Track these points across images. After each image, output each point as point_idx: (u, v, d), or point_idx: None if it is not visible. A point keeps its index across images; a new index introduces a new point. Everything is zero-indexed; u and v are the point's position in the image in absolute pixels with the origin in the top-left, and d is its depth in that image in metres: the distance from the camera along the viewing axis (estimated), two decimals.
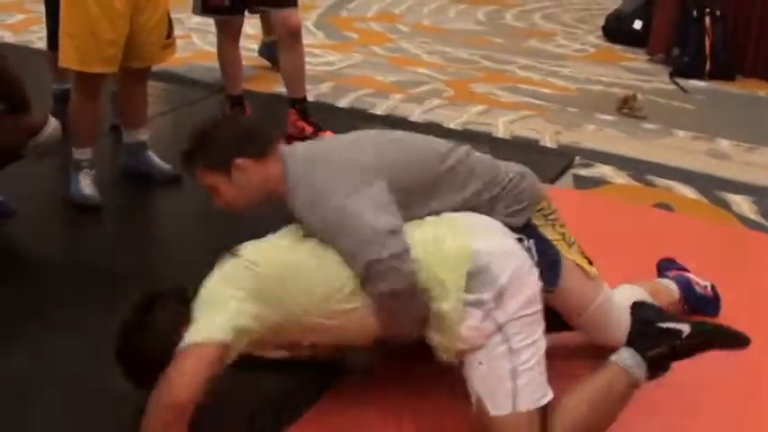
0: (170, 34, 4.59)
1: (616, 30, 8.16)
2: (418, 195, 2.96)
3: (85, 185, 4.56)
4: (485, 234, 2.90)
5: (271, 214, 3.07)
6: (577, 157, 5.41)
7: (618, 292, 3.32)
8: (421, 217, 2.94)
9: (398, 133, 3.31)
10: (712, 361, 3.18)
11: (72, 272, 3.99)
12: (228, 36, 5.47)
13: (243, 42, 5.60)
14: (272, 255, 2.88)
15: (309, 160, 2.98)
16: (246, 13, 5.46)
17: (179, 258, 4.10)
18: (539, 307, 2.82)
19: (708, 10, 7.13)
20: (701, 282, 3.75)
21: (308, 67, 5.64)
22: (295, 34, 5.35)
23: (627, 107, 6.22)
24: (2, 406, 3.07)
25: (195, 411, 2.65)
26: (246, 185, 3.00)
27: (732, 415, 3.14)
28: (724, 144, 5.73)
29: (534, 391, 2.75)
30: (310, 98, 5.76)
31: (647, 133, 5.91)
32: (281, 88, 5.84)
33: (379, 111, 6.21)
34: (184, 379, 2.63)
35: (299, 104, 5.54)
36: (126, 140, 4.87)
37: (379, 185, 2.85)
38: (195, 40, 7.71)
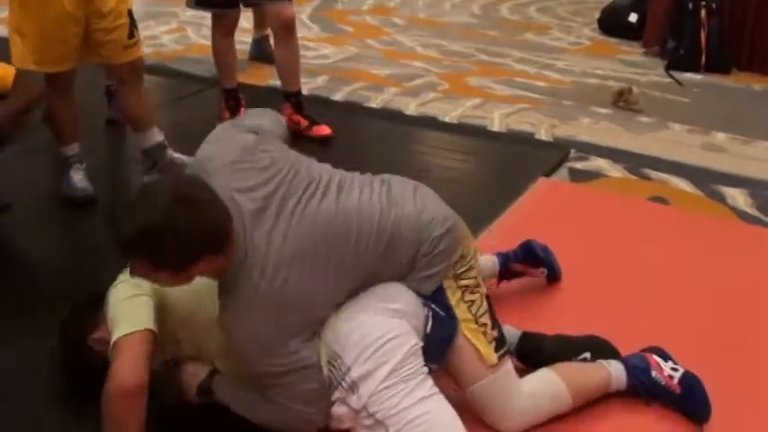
0: (132, 34, 4.52)
1: (611, 22, 8.15)
2: (365, 284, 2.86)
3: (78, 179, 4.58)
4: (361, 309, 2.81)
5: None
6: (573, 151, 5.40)
7: (535, 381, 3.03)
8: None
9: (346, 215, 2.83)
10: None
11: (65, 265, 3.99)
12: (223, 30, 5.45)
13: (238, 36, 5.58)
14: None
15: (262, 290, 2.62)
16: (241, 6, 5.43)
17: None
18: (411, 366, 2.73)
19: (703, 3, 7.10)
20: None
21: (302, 60, 5.63)
22: (289, 27, 5.33)
23: (622, 100, 6.22)
24: None
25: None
26: (191, 278, 2.65)
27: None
28: (719, 137, 5.71)
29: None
30: (305, 91, 5.76)
31: (642, 126, 5.90)
32: (275, 81, 5.83)
33: (373, 104, 6.20)
34: (125, 365, 2.66)
35: (294, 98, 5.53)
36: (143, 146, 4.79)
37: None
38: (190, 34, 7.70)
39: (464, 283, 2.92)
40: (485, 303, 2.94)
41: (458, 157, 5.34)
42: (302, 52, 5.63)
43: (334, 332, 2.73)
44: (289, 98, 5.52)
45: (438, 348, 2.83)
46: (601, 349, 3.18)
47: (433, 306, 2.86)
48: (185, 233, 2.46)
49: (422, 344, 2.78)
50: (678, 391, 3.02)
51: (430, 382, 2.76)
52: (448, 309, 2.87)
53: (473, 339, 2.86)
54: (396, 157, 5.37)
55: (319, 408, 2.73)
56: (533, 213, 4.51)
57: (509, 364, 2.94)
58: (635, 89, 6.31)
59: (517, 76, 6.92)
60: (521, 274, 3.82)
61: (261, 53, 6.77)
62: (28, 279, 3.91)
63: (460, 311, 2.88)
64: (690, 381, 3.03)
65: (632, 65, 7.28)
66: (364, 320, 2.73)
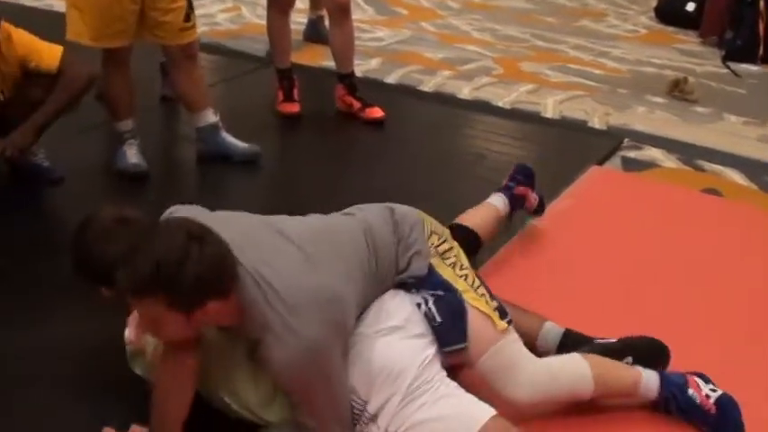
0: (188, 18, 4.53)
1: (668, 11, 8.08)
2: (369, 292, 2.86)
3: (131, 155, 4.60)
4: None
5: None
6: (626, 140, 5.36)
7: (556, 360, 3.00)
8: None
9: (330, 226, 2.92)
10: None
11: None
12: (279, 8, 5.44)
13: (293, 16, 5.58)
14: None
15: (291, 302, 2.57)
16: None
17: None
18: (423, 380, 2.71)
19: None
20: (534, 198, 3.96)
21: (356, 42, 5.61)
22: (344, 9, 5.32)
23: (678, 90, 6.16)
24: (37, 369, 3.12)
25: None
26: (199, 326, 2.56)
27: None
28: None
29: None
30: (358, 73, 5.75)
31: (697, 117, 5.84)
32: (329, 63, 5.83)
33: (426, 87, 6.18)
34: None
35: (347, 80, 5.52)
36: (197, 125, 4.82)
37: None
38: (245, 13, 7.71)
39: (450, 261, 2.96)
40: (477, 278, 2.96)
41: (510, 143, 5.31)
42: (356, 34, 5.62)
43: None
44: (342, 80, 5.52)
45: (457, 325, 2.81)
46: (648, 352, 3.12)
47: (431, 292, 2.84)
48: (203, 264, 2.41)
49: (432, 352, 2.76)
50: (713, 411, 2.90)
51: (445, 384, 2.75)
52: (445, 285, 2.87)
53: (479, 306, 2.86)
54: (448, 142, 5.37)
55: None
56: (584, 201, 4.48)
57: (516, 334, 2.91)
58: (691, 79, 6.25)
59: (572, 62, 6.87)
60: (523, 200, 3.92)
61: (316, 34, 6.76)
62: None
63: (458, 284, 2.88)
64: (726, 403, 2.92)
65: (689, 54, 7.21)
66: (368, 351, 2.73)
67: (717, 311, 3.62)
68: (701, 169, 5.04)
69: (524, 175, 3.99)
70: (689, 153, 5.23)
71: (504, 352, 2.85)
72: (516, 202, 3.91)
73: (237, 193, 4.60)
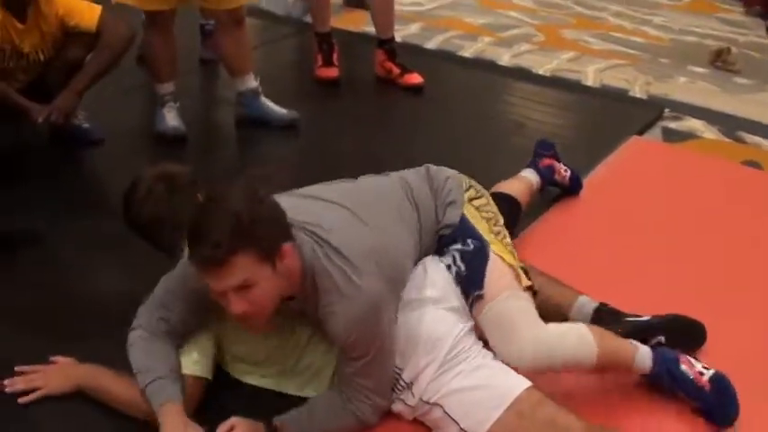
0: None
1: None
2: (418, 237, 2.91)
3: (171, 118, 4.61)
4: None
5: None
6: (667, 110, 5.32)
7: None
8: None
9: (368, 184, 3.00)
10: None
11: None
12: None
13: None
14: None
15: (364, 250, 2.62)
16: None
17: None
18: (458, 351, 2.72)
19: None
20: (563, 171, 4.10)
21: (397, 7, 5.60)
22: None
23: (720, 60, 6.10)
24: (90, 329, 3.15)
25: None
26: (286, 278, 2.50)
27: None
28: None
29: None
30: (398, 39, 5.72)
31: (739, 88, 5.79)
32: (369, 28, 5.82)
33: (466, 53, 6.15)
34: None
35: (387, 45, 5.50)
36: (238, 89, 4.83)
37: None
38: None
39: (486, 215, 2.99)
40: (504, 230, 3.00)
41: (550, 111, 5.29)
42: None
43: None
44: (382, 45, 5.50)
45: (477, 272, 2.81)
46: (682, 331, 3.10)
47: (460, 247, 2.86)
48: (266, 204, 2.45)
49: (468, 325, 2.78)
50: (707, 388, 2.85)
51: (481, 354, 2.75)
52: (477, 235, 2.89)
53: (503, 256, 2.87)
54: (487, 109, 5.35)
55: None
56: (624, 172, 4.46)
57: (531, 299, 2.88)
58: (734, 49, 6.19)
59: (614, 30, 6.82)
60: (552, 170, 4.04)
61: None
62: (111, 212, 3.95)
63: (484, 232, 2.91)
64: (720, 380, 2.87)
65: (732, 24, 7.14)
66: (406, 320, 2.73)
67: (756, 288, 3.59)
68: (742, 141, 5.00)
69: (544, 148, 4.10)
70: (730, 124, 5.18)
71: (513, 303, 2.81)
72: (546, 175, 3.99)
73: (275, 158, 4.60)
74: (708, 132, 5.07)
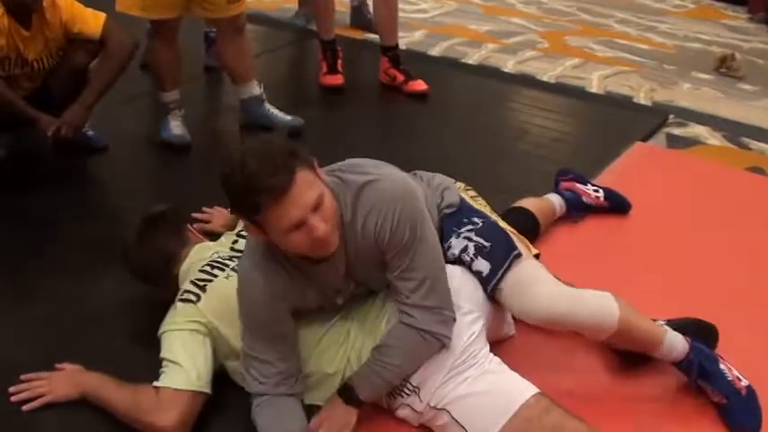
0: None
1: None
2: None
3: (175, 126, 4.63)
4: None
5: None
6: (671, 116, 5.32)
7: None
8: None
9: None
10: None
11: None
12: None
13: None
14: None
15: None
16: None
17: None
18: (467, 357, 2.72)
19: None
20: (592, 192, 4.01)
21: (401, 14, 5.60)
22: None
23: (725, 66, 6.10)
24: (87, 338, 3.15)
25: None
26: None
27: None
28: None
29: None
30: (402, 46, 5.73)
31: (744, 94, 5.79)
32: (373, 35, 5.82)
33: (471, 60, 6.16)
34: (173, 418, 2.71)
35: (391, 52, 5.51)
36: (241, 97, 4.85)
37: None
38: None
39: (471, 194, 3.09)
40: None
41: (554, 118, 5.28)
42: (401, 6, 5.61)
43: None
44: (386, 52, 5.51)
45: (505, 238, 2.85)
46: (695, 333, 3.06)
47: (469, 228, 2.88)
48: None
49: (477, 329, 2.77)
50: (743, 392, 2.86)
51: (488, 359, 2.75)
52: (481, 213, 2.95)
53: (510, 229, 2.94)
54: (491, 115, 5.35)
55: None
56: (628, 178, 4.45)
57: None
58: (738, 56, 6.20)
59: (618, 37, 6.82)
60: (577, 194, 3.98)
61: (361, 20, 6.66)
62: (115, 219, 3.96)
63: (487, 211, 3.00)
64: (754, 392, 2.88)
65: (736, 30, 7.14)
66: None
67: (760, 294, 3.58)
68: (746, 147, 5.00)
69: (561, 174, 4.09)
70: (734, 131, 5.18)
71: (533, 263, 2.85)
72: (570, 198, 3.95)
73: None
74: (712, 139, 5.07)
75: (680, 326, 3.07)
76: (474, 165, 4.45)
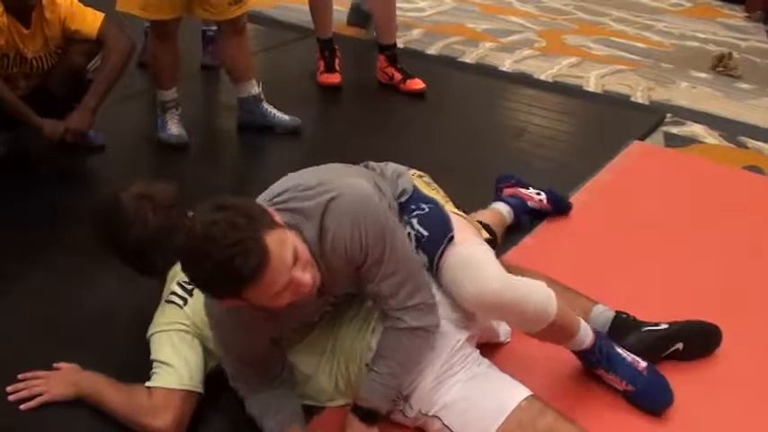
0: None
1: None
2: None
3: (172, 125, 4.62)
4: None
5: None
6: (669, 115, 5.32)
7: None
8: None
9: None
10: None
11: None
12: None
13: None
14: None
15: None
16: None
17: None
18: (454, 362, 2.69)
19: None
20: (535, 196, 3.95)
21: (398, 13, 5.60)
22: None
23: (722, 65, 6.11)
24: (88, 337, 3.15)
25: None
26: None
27: None
28: None
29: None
30: (400, 44, 5.73)
31: (741, 93, 5.79)
32: (370, 34, 5.82)
33: (468, 59, 6.16)
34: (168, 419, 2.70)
35: (389, 50, 5.51)
36: (239, 95, 4.84)
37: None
38: None
39: (426, 180, 3.00)
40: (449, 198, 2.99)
41: (552, 116, 5.28)
42: (398, 5, 5.60)
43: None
44: (383, 50, 5.51)
45: (443, 228, 2.74)
46: (699, 335, 3.11)
47: (415, 213, 2.80)
48: (245, 200, 2.39)
49: (464, 337, 2.74)
50: (645, 372, 2.87)
51: (477, 363, 2.74)
52: (428, 199, 2.85)
53: (459, 213, 2.88)
54: (489, 114, 5.35)
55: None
56: (625, 177, 4.45)
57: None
58: (735, 54, 6.20)
59: (615, 36, 6.83)
60: (522, 199, 3.92)
61: (359, 18, 6.66)
62: None
63: (437, 197, 2.89)
64: (654, 368, 2.90)
65: (734, 29, 7.14)
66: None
67: (758, 293, 3.58)
68: (744, 146, 5.00)
69: (502, 180, 4.01)
70: (731, 129, 5.18)
71: (481, 248, 2.77)
72: (515, 204, 3.88)
73: (276, 163, 4.60)
74: (709, 137, 5.07)
75: (681, 328, 3.07)
76: (471, 163, 4.45)
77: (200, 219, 2.24)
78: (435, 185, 3.03)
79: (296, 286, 2.29)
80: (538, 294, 2.70)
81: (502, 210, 3.82)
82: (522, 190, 3.97)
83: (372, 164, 3.00)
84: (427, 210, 2.81)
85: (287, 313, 2.48)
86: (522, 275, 2.97)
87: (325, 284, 2.53)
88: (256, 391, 2.71)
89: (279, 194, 2.54)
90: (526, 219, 3.92)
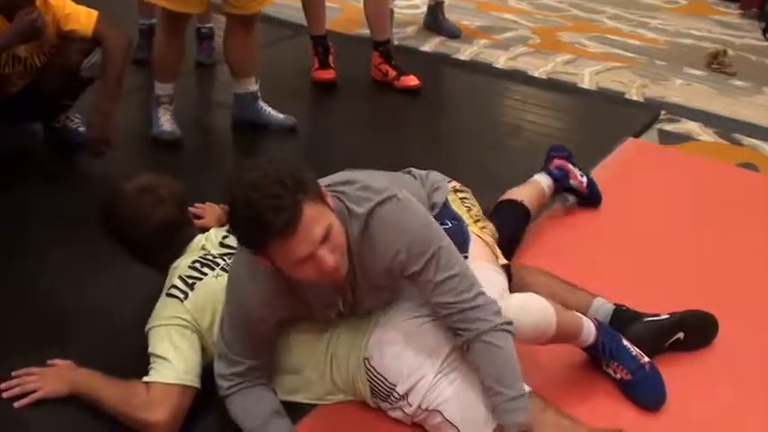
0: None
1: None
2: None
3: (165, 121, 4.61)
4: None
5: None
6: (663, 112, 5.32)
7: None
8: None
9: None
10: None
11: None
12: None
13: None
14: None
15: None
16: None
17: None
18: (452, 362, 2.68)
19: None
20: (579, 176, 4.03)
21: (395, 10, 5.59)
22: None
23: (716, 62, 6.11)
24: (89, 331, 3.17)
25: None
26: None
27: None
28: None
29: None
30: (394, 41, 5.72)
31: (735, 90, 5.79)
32: (365, 30, 5.80)
33: (462, 56, 6.15)
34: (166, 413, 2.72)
35: (383, 47, 5.50)
36: (236, 91, 4.83)
37: None
38: None
39: (467, 205, 3.11)
40: (487, 222, 3.14)
41: (547, 114, 5.29)
42: (393, 1, 5.59)
43: (371, 354, 2.74)
44: (377, 47, 5.50)
45: (460, 250, 2.73)
46: (698, 325, 3.15)
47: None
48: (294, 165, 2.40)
49: None
50: (648, 367, 2.91)
51: None
52: (455, 216, 2.99)
53: (482, 236, 2.99)
54: (483, 111, 5.35)
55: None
56: (620, 174, 4.45)
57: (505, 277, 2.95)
58: (730, 51, 6.20)
59: (610, 33, 6.82)
60: (566, 173, 3.99)
61: (434, 23, 6.66)
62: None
63: (464, 215, 3.03)
64: (655, 367, 2.93)
65: (728, 26, 7.14)
66: (402, 330, 2.73)
67: (752, 289, 3.60)
68: (738, 143, 5.00)
69: (557, 150, 4.08)
70: (726, 127, 5.19)
71: (490, 273, 2.84)
72: (559, 177, 3.95)
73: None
74: (704, 135, 5.08)
75: (682, 318, 3.10)
76: (466, 160, 4.45)
77: (252, 167, 2.34)
78: (471, 202, 3.13)
79: (319, 263, 2.32)
80: (534, 316, 2.73)
81: (542, 183, 3.89)
82: (570, 166, 4.02)
83: (415, 171, 3.10)
84: (450, 226, 2.91)
85: (306, 293, 2.57)
86: (521, 271, 3.03)
87: (354, 285, 2.61)
88: (238, 386, 2.72)
89: (339, 183, 2.60)
90: (564, 197, 4.05)
